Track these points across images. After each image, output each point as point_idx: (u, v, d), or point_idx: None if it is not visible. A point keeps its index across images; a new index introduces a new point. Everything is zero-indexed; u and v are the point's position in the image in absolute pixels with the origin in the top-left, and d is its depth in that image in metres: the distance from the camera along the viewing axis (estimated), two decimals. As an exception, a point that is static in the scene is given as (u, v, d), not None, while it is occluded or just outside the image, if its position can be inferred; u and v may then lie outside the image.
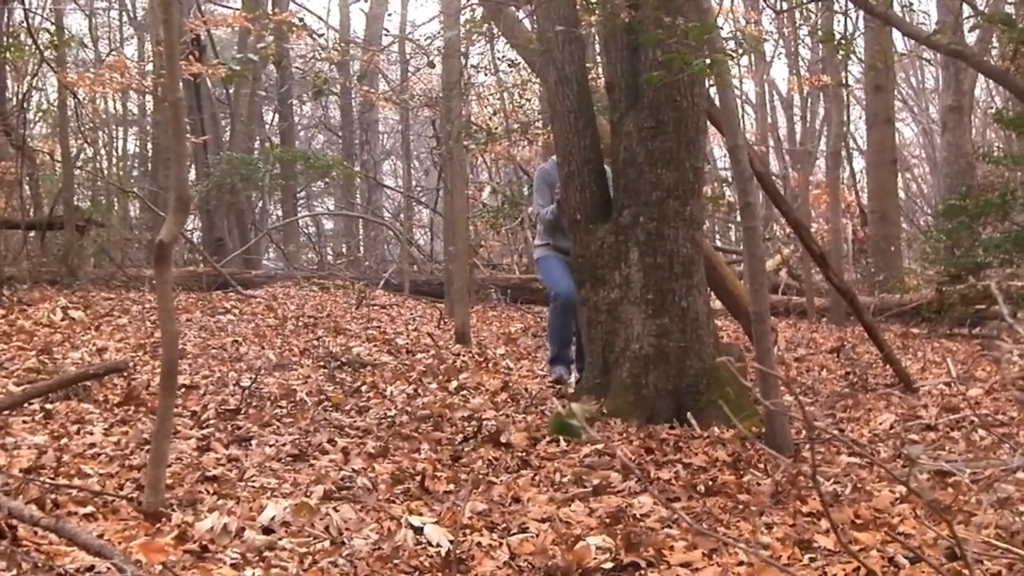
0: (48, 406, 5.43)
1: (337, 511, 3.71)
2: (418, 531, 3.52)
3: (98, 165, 17.47)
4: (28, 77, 13.93)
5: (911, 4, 7.37)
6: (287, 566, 3.18)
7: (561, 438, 5.02)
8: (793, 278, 15.56)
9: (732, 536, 3.61)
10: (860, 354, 9.01)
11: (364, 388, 6.67)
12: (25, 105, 13.75)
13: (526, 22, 9.08)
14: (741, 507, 4.00)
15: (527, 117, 16.46)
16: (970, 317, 11.17)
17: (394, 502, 3.99)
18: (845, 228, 18.06)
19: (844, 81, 13.82)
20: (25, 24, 12.54)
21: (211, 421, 5.40)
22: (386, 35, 22.50)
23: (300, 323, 10.43)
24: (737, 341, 10.20)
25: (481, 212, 16.51)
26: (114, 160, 19.95)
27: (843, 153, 18.49)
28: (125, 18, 21.63)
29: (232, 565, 3.17)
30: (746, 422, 5.35)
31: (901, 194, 21.76)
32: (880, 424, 5.79)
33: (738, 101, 20.78)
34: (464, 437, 5.22)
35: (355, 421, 5.64)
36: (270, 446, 4.87)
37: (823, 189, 18.58)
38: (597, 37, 8.45)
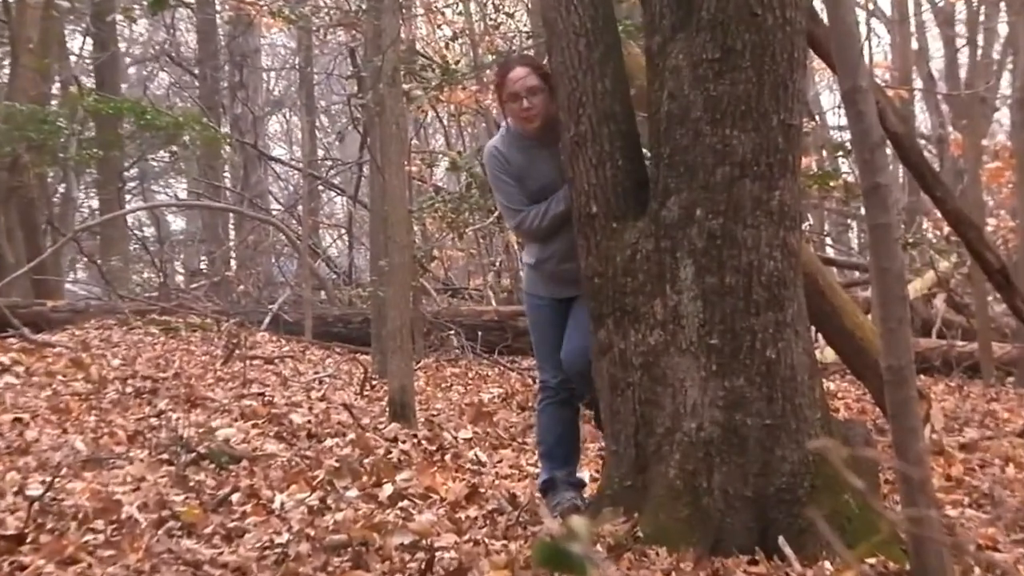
0: None
1: None
2: None
3: None
4: None
5: None
6: None
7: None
8: (956, 310, 15.65)
9: None
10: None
11: (236, 497, 6.65)
12: None
13: None
14: None
15: (509, 43, 16.55)
16: None
17: None
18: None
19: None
20: None
21: (-25, 555, 5.38)
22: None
23: (129, 388, 10.40)
24: (863, 416, 10.25)
25: (433, 202, 16.51)
26: None
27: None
28: None
29: None
30: (879, 553, 5.36)
31: None
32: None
33: (861, 15, 20.95)
34: (404, 580, 5.21)
35: (221, 554, 5.60)
36: (76, 597, 4.85)
37: (1005, 161, 18.72)
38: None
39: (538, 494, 6.86)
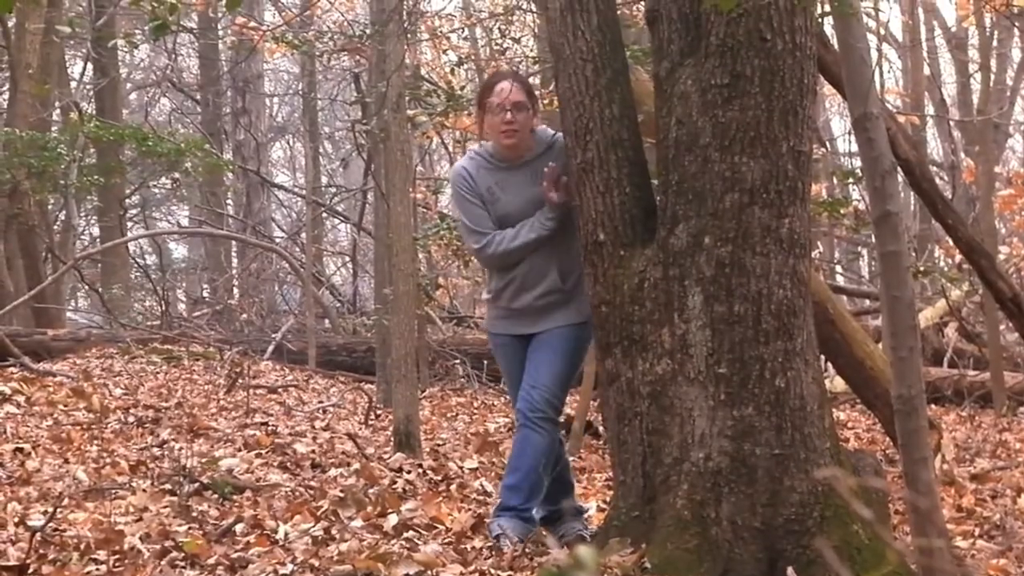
0: None
1: None
2: None
3: None
4: None
5: None
6: None
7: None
8: (968, 339, 15.65)
9: None
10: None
11: (240, 528, 6.66)
12: None
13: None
14: None
15: (515, 69, 16.59)
16: None
17: None
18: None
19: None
20: None
21: (-24, 587, 5.41)
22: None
23: (131, 418, 10.42)
24: (872, 446, 10.26)
25: (438, 229, 16.52)
26: None
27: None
28: None
29: None
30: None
31: None
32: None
33: (872, 40, 21.00)
34: (409, 611, 5.22)
35: (224, 585, 5.64)
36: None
37: (1018, 188, 18.76)
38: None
39: (494, 523, 6.61)
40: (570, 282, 6.65)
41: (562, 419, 6.99)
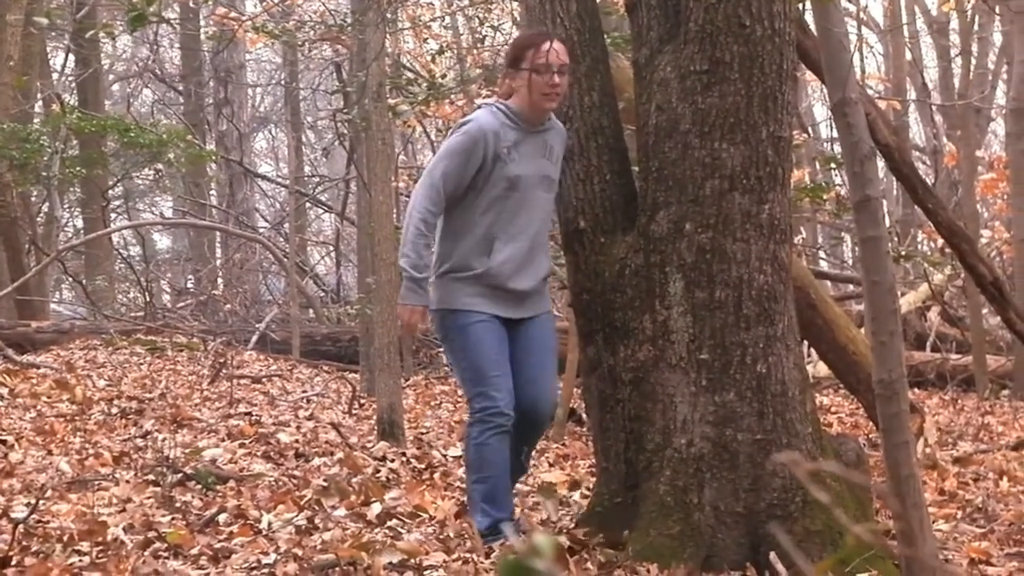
0: None
1: None
2: None
3: None
4: None
5: None
6: None
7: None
8: (950, 323, 15.69)
9: None
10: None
11: (223, 518, 6.66)
12: None
13: None
14: None
15: (496, 58, 16.56)
16: None
17: None
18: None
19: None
20: None
21: (-41, 579, 5.40)
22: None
23: (114, 409, 10.41)
24: (855, 431, 10.26)
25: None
26: None
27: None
28: None
29: None
30: (871, 568, 5.38)
31: None
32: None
33: (852, 26, 21.02)
34: (393, 600, 5.22)
35: (207, 575, 5.63)
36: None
37: (1000, 172, 18.76)
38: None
39: (487, 542, 6.05)
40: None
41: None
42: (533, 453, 6.95)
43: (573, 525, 6.24)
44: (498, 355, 6.19)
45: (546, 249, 6.42)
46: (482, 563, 5.76)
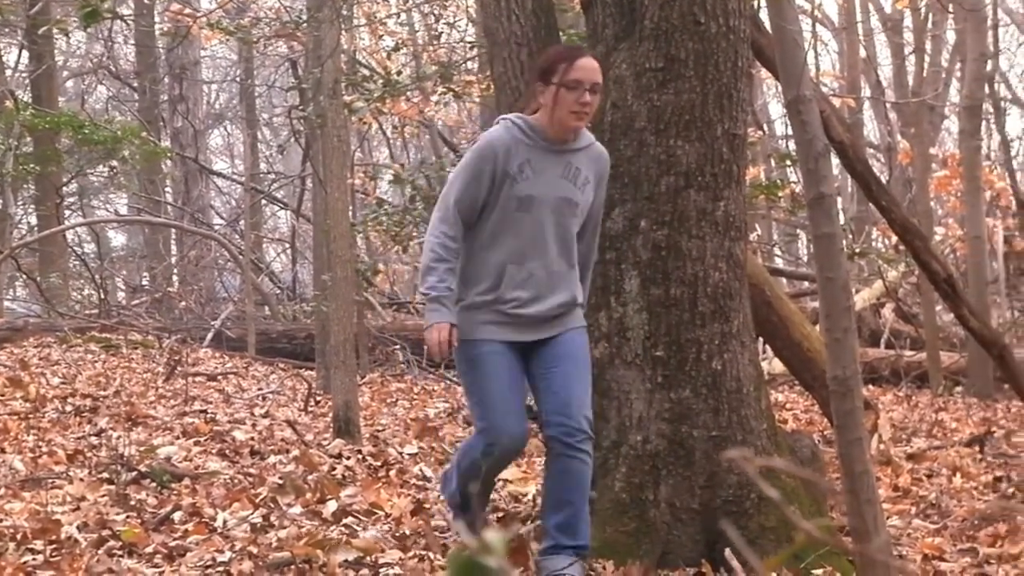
0: None
1: None
2: None
3: None
4: None
5: None
6: None
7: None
8: (905, 320, 15.77)
9: None
10: (1018, 447, 9.13)
11: (178, 516, 6.64)
12: None
13: None
14: None
15: (452, 54, 16.57)
16: None
17: None
18: (993, 234, 18.33)
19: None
20: None
21: (-88, 578, 5.36)
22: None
23: (68, 407, 10.36)
24: (811, 427, 10.30)
25: (377, 214, 16.51)
26: None
27: (988, 108, 18.80)
28: None
29: None
30: (826, 564, 5.40)
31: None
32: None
33: (807, 23, 21.10)
34: (348, 597, 5.21)
35: (163, 573, 5.61)
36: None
37: (953, 170, 18.88)
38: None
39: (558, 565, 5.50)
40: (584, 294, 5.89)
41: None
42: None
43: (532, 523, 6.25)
44: (508, 389, 5.73)
45: (570, 276, 5.74)
46: (437, 560, 5.76)
